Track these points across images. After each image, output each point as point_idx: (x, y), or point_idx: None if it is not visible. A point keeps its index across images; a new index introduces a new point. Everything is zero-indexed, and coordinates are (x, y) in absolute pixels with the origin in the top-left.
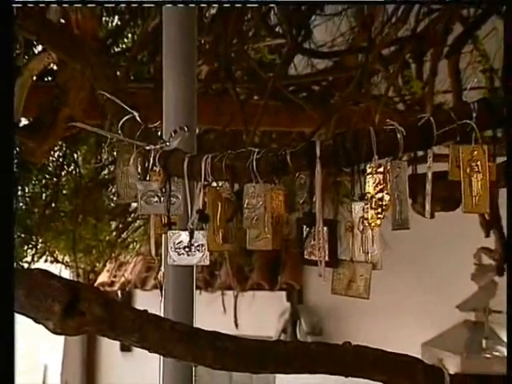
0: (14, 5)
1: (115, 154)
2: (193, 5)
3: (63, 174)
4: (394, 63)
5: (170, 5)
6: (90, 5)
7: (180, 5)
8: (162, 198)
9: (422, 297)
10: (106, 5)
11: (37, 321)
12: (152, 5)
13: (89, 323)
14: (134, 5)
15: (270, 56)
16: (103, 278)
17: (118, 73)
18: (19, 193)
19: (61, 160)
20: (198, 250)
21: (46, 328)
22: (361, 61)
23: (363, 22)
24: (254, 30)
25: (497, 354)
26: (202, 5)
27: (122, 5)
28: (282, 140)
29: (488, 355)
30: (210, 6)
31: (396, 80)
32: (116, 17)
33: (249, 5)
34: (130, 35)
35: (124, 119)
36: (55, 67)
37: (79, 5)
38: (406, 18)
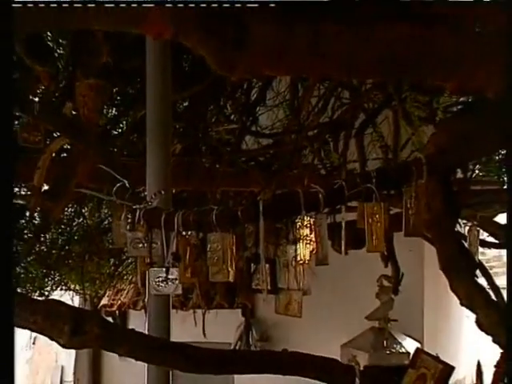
0: (14, 5)
1: (111, 210)
2: (192, 4)
3: (74, 224)
4: (317, 141)
5: (170, 4)
6: (89, 5)
7: (180, 5)
8: (145, 244)
9: (341, 311)
10: (106, 5)
11: (51, 338)
12: (152, 4)
13: (90, 340)
14: (133, 5)
15: (227, 136)
16: (104, 301)
17: (115, 149)
18: (41, 238)
19: (72, 214)
20: (173, 283)
21: (58, 344)
22: (293, 139)
23: (295, 111)
24: (215, 117)
25: (393, 350)
26: (202, 5)
27: (122, 5)
28: (237, 197)
29: (388, 352)
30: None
31: (319, 153)
32: (114, 108)
33: (249, 5)
34: (124, 122)
35: (117, 185)
36: (68, 147)
37: (78, 5)
38: (325, 109)
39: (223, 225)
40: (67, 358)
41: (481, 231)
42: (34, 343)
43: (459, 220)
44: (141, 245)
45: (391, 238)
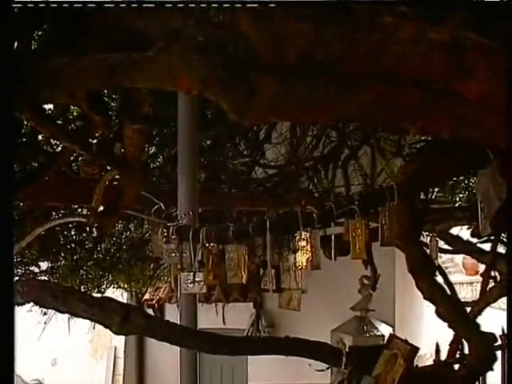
0: (14, 5)
1: (150, 227)
2: (192, 4)
3: (123, 237)
4: (311, 170)
5: (169, 5)
6: (89, 5)
7: (180, 5)
8: (177, 254)
9: (331, 304)
10: (106, 5)
11: (105, 326)
12: (152, 5)
13: (135, 329)
14: (133, 5)
15: (241, 167)
16: (146, 296)
17: (154, 179)
18: (98, 248)
19: (121, 229)
20: (199, 284)
21: (111, 331)
22: (293, 169)
23: (294, 148)
24: (232, 152)
25: (372, 334)
26: (202, 5)
27: (122, 5)
28: (249, 215)
29: (367, 335)
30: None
31: (313, 180)
32: (153, 147)
33: (249, 5)
34: (161, 157)
35: (155, 207)
36: (118, 177)
37: (79, 5)
38: (317, 146)
39: (238, 238)
40: (119, 339)
41: (439, 240)
42: (93, 327)
43: (422, 232)
44: (174, 254)
45: (370, 247)
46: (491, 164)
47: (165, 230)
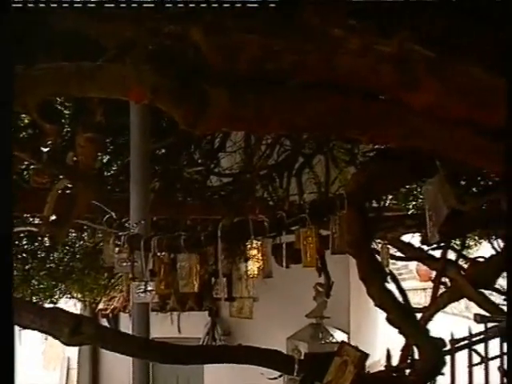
0: (14, 5)
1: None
2: (192, 5)
3: (76, 246)
4: (266, 179)
5: (169, 4)
6: (89, 5)
7: (180, 5)
8: (129, 263)
9: (286, 312)
10: (106, 5)
11: (55, 337)
12: (152, 5)
13: (86, 339)
14: (133, 5)
15: (196, 176)
16: (101, 306)
17: (108, 187)
18: (51, 257)
19: (74, 238)
20: (150, 293)
21: (61, 342)
22: (248, 178)
23: (248, 156)
24: (186, 161)
25: (327, 341)
26: (202, 5)
27: (122, 5)
28: (204, 223)
29: (322, 342)
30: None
31: (268, 188)
32: (106, 155)
33: (249, 5)
34: (115, 166)
35: (106, 216)
36: (70, 186)
37: (79, 5)
38: (271, 154)
39: (189, 247)
40: (73, 350)
41: (390, 248)
42: (46, 338)
43: (374, 239)
44: (125, 263)
45: (323, 254)
46: (439, 173)
47: (116, 240)
